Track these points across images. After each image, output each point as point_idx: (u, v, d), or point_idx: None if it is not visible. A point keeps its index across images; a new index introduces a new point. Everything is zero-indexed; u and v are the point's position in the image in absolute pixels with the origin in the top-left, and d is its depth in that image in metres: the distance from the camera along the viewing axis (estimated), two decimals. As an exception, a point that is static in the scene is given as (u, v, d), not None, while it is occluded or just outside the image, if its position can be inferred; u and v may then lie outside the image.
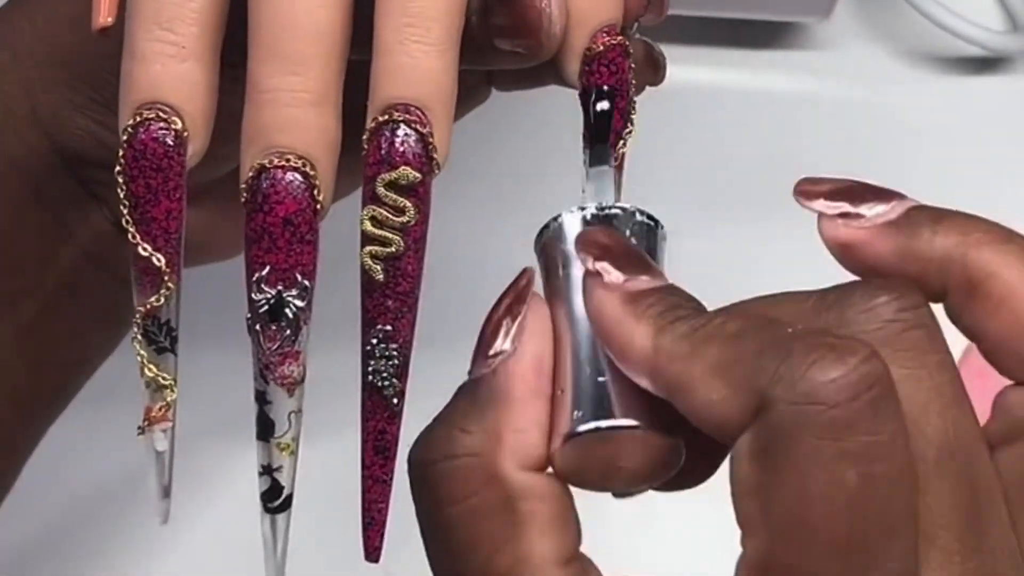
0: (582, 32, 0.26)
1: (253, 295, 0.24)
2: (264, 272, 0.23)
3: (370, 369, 0.24)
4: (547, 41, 0.25)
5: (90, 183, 0.29)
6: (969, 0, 0.54)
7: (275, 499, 0.25)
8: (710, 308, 0.54)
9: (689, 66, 0.54)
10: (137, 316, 0.24)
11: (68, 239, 0.30)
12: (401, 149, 0.23)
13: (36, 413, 0.32)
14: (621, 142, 0.26)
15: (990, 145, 0.53)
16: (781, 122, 0.53)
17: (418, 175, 0.23)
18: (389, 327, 0.24)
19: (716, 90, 0.54)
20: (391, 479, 0.25)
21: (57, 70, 0.28)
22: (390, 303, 0.24)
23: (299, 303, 0.24)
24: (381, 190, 0.23)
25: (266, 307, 0.23)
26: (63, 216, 0.30)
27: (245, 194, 0.23)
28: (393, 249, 0.24)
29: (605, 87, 0.26)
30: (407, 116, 0.23)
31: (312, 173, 0.23)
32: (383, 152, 0.23)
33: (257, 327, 0.24)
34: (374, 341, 0.24)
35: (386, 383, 0.24)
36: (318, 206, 0.23)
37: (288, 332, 0.24)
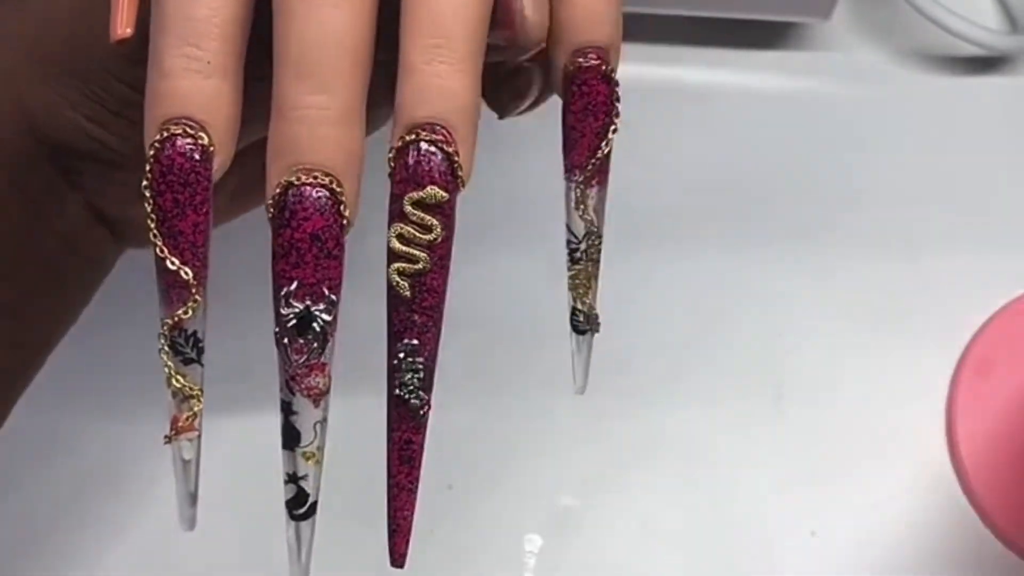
0: (561, 49, 0.26)
1: (281, 309, 0.24)
2: (292, 287, 0.24)
3: (397, 382, 0.25)
4: (523, 31, 0.26)
5: (70, 172, 0.30)
6: (969, 0, 0.54)
7: (300, 507, 0.26)
8: (711, 314, 0.54)
9: (690, 66, 0.54)
10: (164, 328, 0.25)
11: (45, 226, 0.30)
12: (427, 168, 0.24)
13: (6, 389, 0.32)
14: (593, 163, 0.26)
15: (990, 145, 0.53)
16: (781, 122, 0.53)
17: (445, 194, 0.24)
18: (416, 341, 0.25)
19: (716, 90, 0.54)
20: (416, 487, 0.26)
21: (49, 65, 0.28)
22: (416, 318, 0.25)
23: (326, 317, 0.24)
24: (408, 208, 0.24)
25: (294, 321, 0.24)
26: (39, 203, 0.30)
27: (272, 210, 0.24)
28: (420, 266, 0.24)
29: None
30: (433, 136, 0.24)
31: (339, 190, 0.24)
32: (409, 171, 0.24)
33: (285, 340, 0.24)
34: (401, 355, 0.25)
35: (412, 395, 0.25)
36: (344, 221, 0.24)
37: (315, 345, 0.24)
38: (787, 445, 0.46)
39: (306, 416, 0.25)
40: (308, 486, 0.25)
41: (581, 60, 0.26)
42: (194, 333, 0.25)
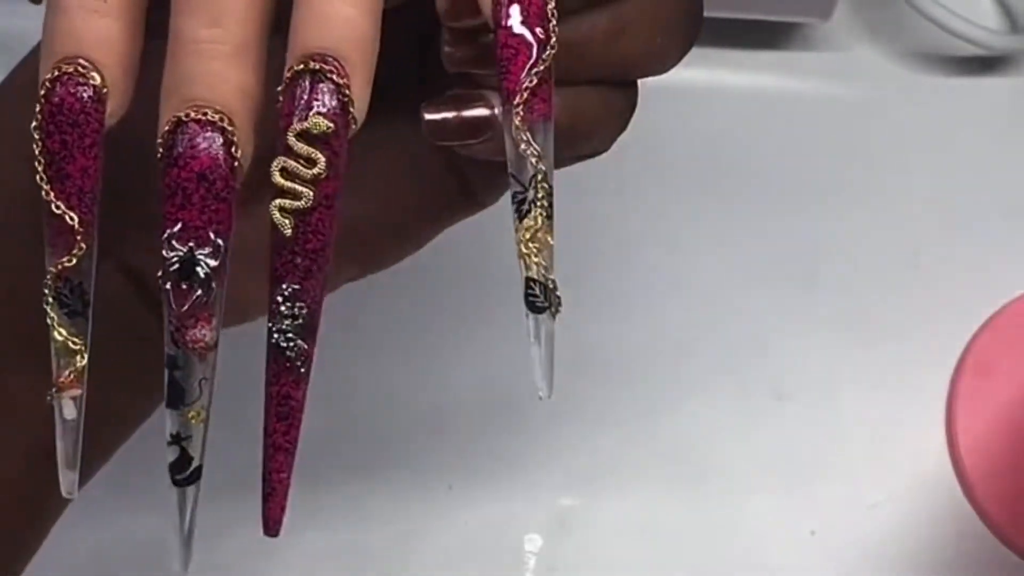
0: None
1: (165, 253, 0.23)
2: (176, 228, 0.23)
3: (275, 329, 0.23)
4: None
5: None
6: (969, 0, 0.54)
7: (183, 471, 0.24)
8: (711, 314, 0.54)
9: (689, 66, 0.54)
10: (48, 278, 0.23)
11: None
12: (314, 99, 0.23)
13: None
14: (528, 80, 0.24)
15: (990, 145, 0.53)
16: (781, 122, 0.53)
17: (331, 124, 0.23)
18: (297, 285, 0.23)
19: (716, 90, 0.54)
20: (294, 448, 0.24)
21: None
22: (299, 260, 0.23)
23: (212, 262, 0.23)
24: (292, 140, 0.23)
25: (177, 265, 0.23)
26: None
27: (160, 149, 0.23)
28: (302, 203, 0.23)
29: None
30: (323, 66, 0.23)
31: (230, 128, 0.23)
32: (296, 102, 0.23)
33: (167, 286, 0.23)
34: (279, 299, 0.23)
35: (291, 344, 0.24)
36: (236, 163, 0.23)
37: (200, 292, 0.23)
38: (787, 445, 0.46)
39: (191, 372, 0.23)
40: (192, 448, 0.24)
41: None
42: (80, 284, 0.24)
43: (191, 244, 0.23)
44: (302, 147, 0.23)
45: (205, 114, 0.23)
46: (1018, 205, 0.51)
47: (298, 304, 0.23)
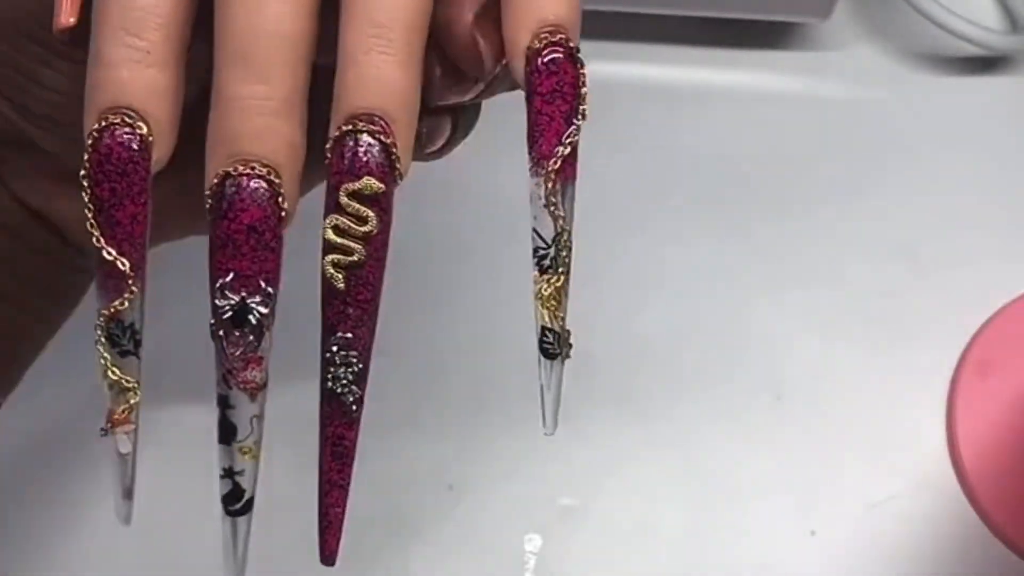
0: (522, 29, 0.25)
1: (217, 301, 0.24)
2: (228, 279, 0.24)
3: (329, 376, 0.25)
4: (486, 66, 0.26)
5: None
6: (969, 0, 0.54)
7: (236, 502, 0.25)
8: (711, 314, 0.54)
9: (689, 66, 0.54)
10: (101, 319, 0.24)
11: None
12: (365, 159, 0.24)
13: None
14: (562, 148, 0.25)
15: (990, 145, 0.53)
16: (781, 122, 0.53)
17: (381, 186, 0.24)
18: (349, 335, 0.24)
19: (716, 90, 0.54)
20: (348, 483, 0.25)
21: None
22: (351, 311, 0.24)
23: (263, 310, 0.24)
24: (344, 199, 0.24)
25: (230, 313, 0.24)
26: None
27: (210, 200, 0.24)
28: (355, 258, 0.24)
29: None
30: (371, 127, 0.24)
31: (277, 181, 0.24)
32: (346, 162, 0.24)
33: (221, 333, 0.24)
34: (334, 348, 0.24)
35: (345, 390, 0.25)
36: (282, 213, 0.24)
37: (251, 338, 0.24)
38: (787, 445, 0.46)
39: (242, 410, 0.25)
40: (244, 481, 0.25)
41: (548, 35, 0.25)
42: (131, 325, 0.25)
43: (243, 293, 0.24)
44: (354, 206, 0.24)
45: (253, 168, 0.24)
46: (1018, 205, 0.51)
47: (351, 352, 0.25)
